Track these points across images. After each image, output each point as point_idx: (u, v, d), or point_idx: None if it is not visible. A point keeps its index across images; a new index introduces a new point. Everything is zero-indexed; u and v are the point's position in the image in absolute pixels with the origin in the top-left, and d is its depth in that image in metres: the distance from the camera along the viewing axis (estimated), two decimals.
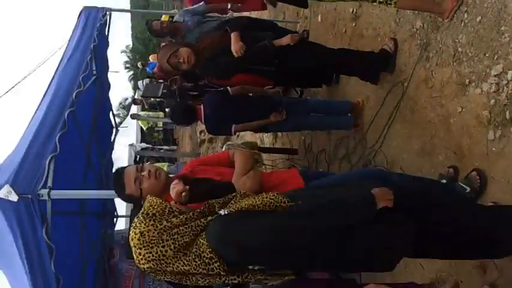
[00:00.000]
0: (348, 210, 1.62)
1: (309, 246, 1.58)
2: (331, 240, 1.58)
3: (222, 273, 1.58)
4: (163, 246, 1.59)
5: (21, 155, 2.40)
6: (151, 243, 1.59)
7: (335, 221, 1.57)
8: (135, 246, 1.62)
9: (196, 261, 1.58)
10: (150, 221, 1.62)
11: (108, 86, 4.36)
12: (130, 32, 36.52)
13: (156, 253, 1.59)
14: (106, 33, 4.43)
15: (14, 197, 2.17)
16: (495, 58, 2.43)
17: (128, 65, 33.65)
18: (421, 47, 3.04)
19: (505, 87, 2.36)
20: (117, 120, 5.27)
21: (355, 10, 3.96)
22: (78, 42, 3.77)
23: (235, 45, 3.05)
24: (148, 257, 1.60)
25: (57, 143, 2.53)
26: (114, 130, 4.49)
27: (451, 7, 2.73)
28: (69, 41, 3.93)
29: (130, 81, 32.85)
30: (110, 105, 4.54)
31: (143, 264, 1.62)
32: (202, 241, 1.58)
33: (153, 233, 1.60)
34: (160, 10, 15.07)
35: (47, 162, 2.39)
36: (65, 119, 2.74)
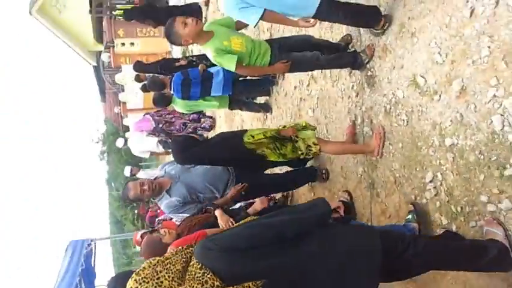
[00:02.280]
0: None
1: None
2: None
3: (218, 284, 1.64)
4: (158, 278, 1.70)
5: None
6: (147, 279, 1.70)
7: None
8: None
9: (191, 284, 1.64)
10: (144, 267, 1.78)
11: None
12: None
13: (153, 285, 1.68)
14: (92, 264, 4.67)
15: None
16: (424, 168, 2.79)
17: None
18: (369, 187, 3.41)
19: (441, 187, 2.65)
20: None
21: None
22: (66, 269, 4.00)
23: (223, 220, 3.18)
24: None
25: None
26: None
27: (377, 145, 3.23)
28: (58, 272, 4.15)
29: None
30: None
31: None
32: (192, 263, 1.72)
33: (148, 270, 1.72)
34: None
35: None
36: None
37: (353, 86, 3.64)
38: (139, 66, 8.25)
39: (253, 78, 5.66)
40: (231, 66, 3.13)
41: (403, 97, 2.98)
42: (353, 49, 3.58)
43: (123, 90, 18.72)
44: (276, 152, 3.32)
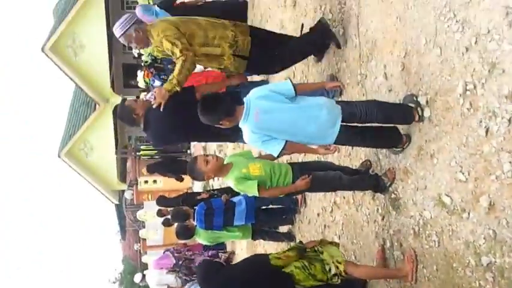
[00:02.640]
0: None
1: None
2: None
3: None
4: None
5: None
6: None
7: None
8: None
9: None
10: None
11: None
12: None
13: None
14: None
15: None
16: None
17: None
18: None
19: None
20: None
21: None
22: None
23: None
24: None
25: None
26: None
27: (410, 269, 3.11)
28: None
29: None
30: None
31: None
32: None
33: None
34: None
35: None
36: None
37: (378, 209, 3.64)
38: (162, 201, 8.44)
39: (276, 207, 5.71)
40: (254, 192, 3.24)
41: (431, 217, 2.95)
42: (374, 173, 3.67)
43: (143, 227, 18.80)
44: (305, 272, 3.20)
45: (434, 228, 2.92)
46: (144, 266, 22.99)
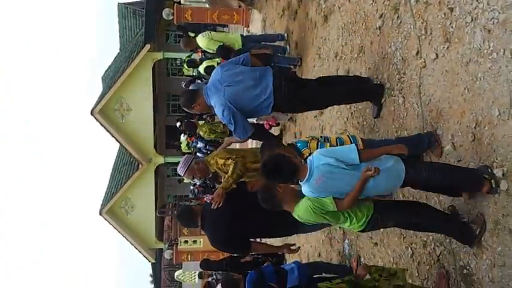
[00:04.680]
0: None
1: None
2: None
3: None
4: None
5: None
6: None
7: None
8: None
9: None
10: None
11: None
12: None
13: None
14: None
15: None
16: None
17: None
18: None
19: None
20: None
21: None
22: None
23: None
24: None
25: None
26: None
27: None
28: None
29: None
30: None
31: None
32: None
33: None
34: None
35: None
36: None
37: (450, 286, 3.44)
38: (206, 264, 8.32)
39: (329, 276, 5.50)
40: (330, 206, 3.01)
41: None
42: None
43: None
44: None
45: None
46: None
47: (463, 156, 3.24)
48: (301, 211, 3.10)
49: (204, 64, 9.19)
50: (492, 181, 2.92)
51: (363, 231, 3.17)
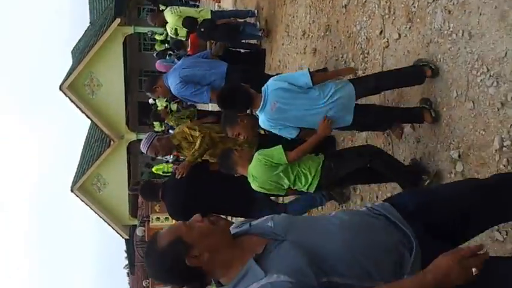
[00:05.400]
0: None
1: None
2: None
3: None
4: None
5: None
6: None
7: None
8: None
9: None
10: None
11: None
12: None
13: None
14: None
15: None
16: None
17: None
18: None
19: None
20: None
21: None
22: None
23: None
24: None
25: None
26: None
27: None
28: None
29: None
30: None
31: None
32: None
33: None
34: None
35: None
36: None
37: None
38: None
39: None
40: (282, 157, 3.04)
41: None
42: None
43: None
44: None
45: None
46: None
47: (422, 137, 3.26)
48: (253, 167, 3.12)
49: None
50: (431, 111, 3.04)
51: (319, 185, 3.12)
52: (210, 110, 9.00)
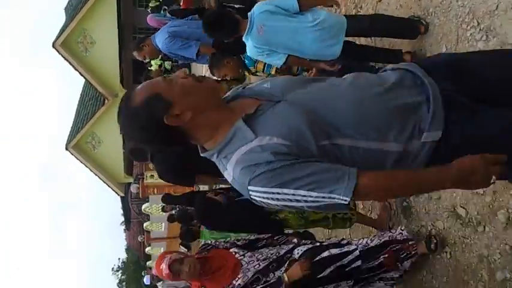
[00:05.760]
0: None
1: None
2: None
3: None
4: None
5: None
6: None
7: None
8: None
9: None
10: None
11: None
12: None
13: None
14: None
15: None
16: None
17: None
18: None
19: None
20: None
21: None
22: None
23: None
24: None
25: None
26: None
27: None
28: None
29: None
30: None
31: None
32: None
33: None
34: None
35: None
36: None
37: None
38: (167, 199, 8.41)
39: None
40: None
41: (444, 228, 2.90)
42: None
43: (148, 220, 18.83)
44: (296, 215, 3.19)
45: (447, 240, 2.86)
46: (147, 258, 23.14)
47: None
48: None
49: None
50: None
51: None
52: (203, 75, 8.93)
